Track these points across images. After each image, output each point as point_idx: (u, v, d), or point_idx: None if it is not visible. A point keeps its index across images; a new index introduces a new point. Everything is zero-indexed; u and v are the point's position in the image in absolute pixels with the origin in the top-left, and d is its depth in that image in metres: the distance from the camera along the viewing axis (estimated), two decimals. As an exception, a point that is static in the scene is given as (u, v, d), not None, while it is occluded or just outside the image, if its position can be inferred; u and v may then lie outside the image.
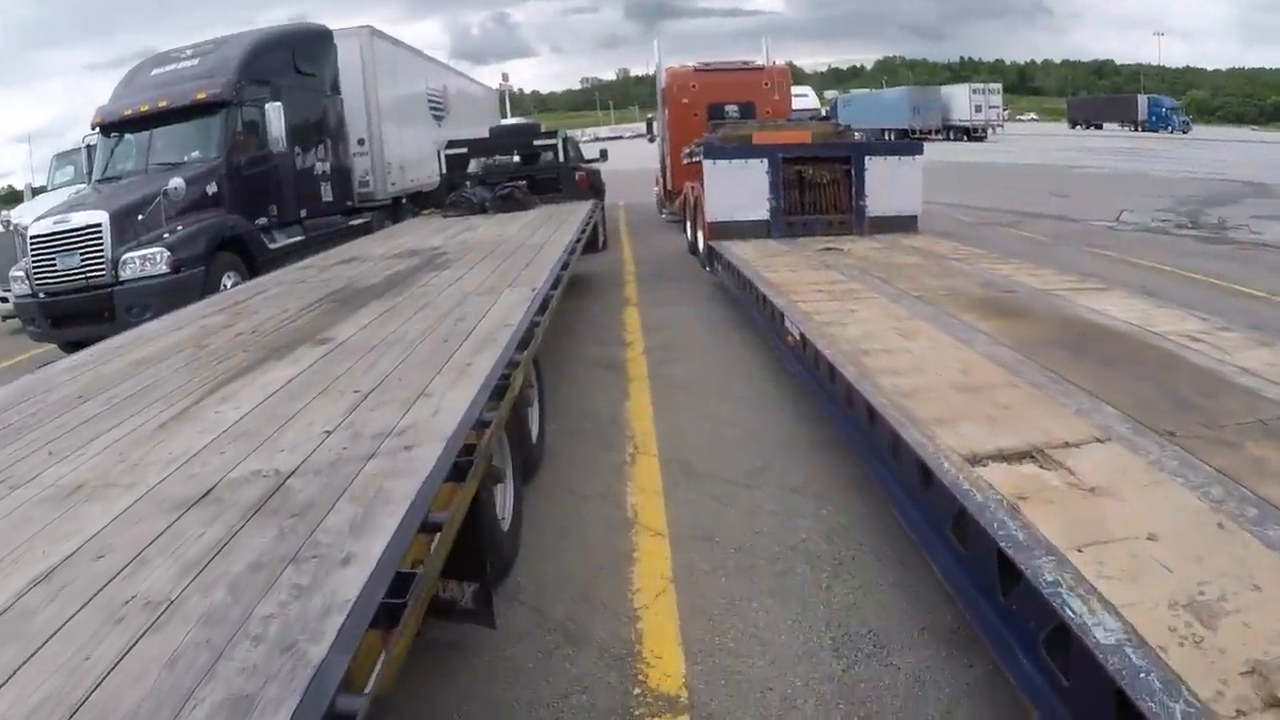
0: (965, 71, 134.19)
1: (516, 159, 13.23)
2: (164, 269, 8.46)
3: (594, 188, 13.37)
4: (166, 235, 8.69)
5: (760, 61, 16.82)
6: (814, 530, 3.85)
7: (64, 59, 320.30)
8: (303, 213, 11.21)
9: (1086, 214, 15.95)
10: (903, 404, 3.39)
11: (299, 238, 10.77)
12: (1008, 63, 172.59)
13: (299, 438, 2.81)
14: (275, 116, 10.10)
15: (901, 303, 5.41)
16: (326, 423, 2.93)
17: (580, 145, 17.42)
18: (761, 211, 9.52)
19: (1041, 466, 2.79)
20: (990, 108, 55.95)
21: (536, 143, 13.31)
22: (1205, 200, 18.01)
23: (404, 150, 14.45)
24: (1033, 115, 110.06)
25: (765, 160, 9.57)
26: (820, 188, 9.67)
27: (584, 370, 6.79)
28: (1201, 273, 9.74)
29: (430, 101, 16.63)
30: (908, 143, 10.96)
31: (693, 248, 11.55)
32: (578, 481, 4.52)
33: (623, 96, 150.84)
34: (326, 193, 12.07)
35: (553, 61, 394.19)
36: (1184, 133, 63.08)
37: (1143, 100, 69.98)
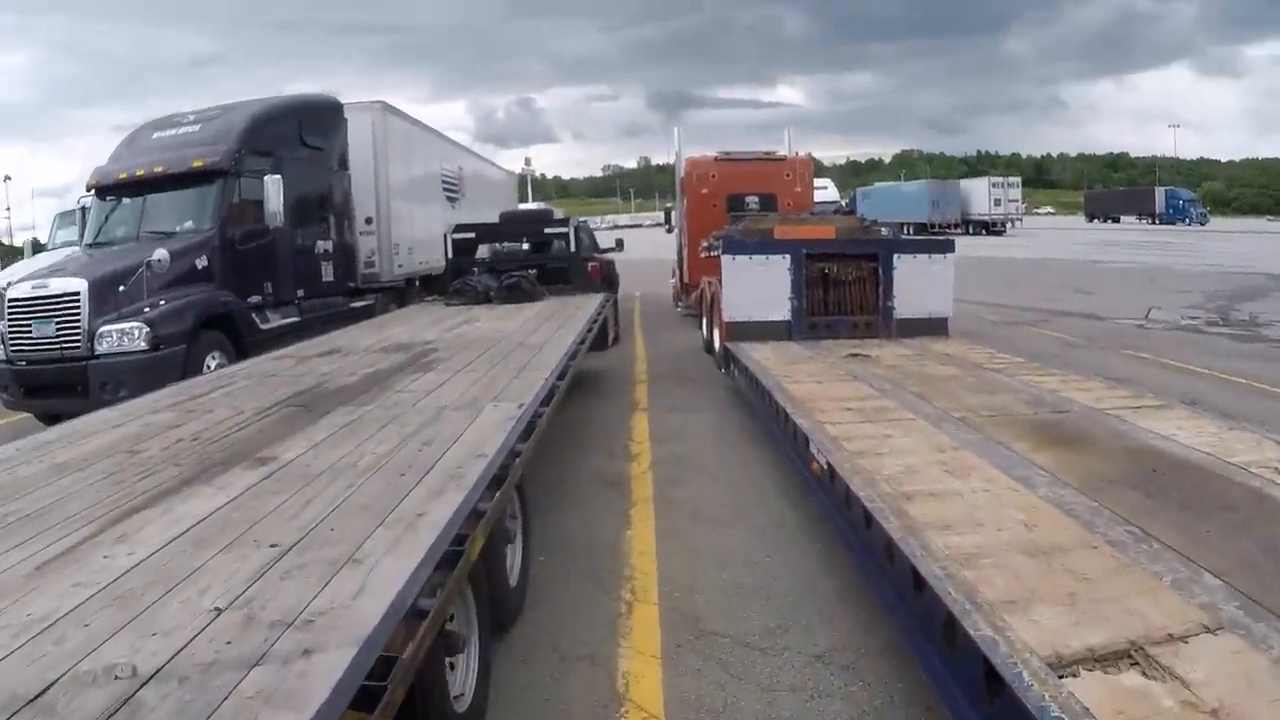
0: (982, 165, 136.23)
1: (526, 246, 12.79)
2: (141, 345, 7.97)
3: (606, 279, 12.96)
4: (148, 309, 8.20)
5: (782, 152, 16.50)
6: (842, 715, 3.14)
7: (93, 118, 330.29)
8: (300, 293, 10.72)
9: (1113, 311, 15.49)
10: (961, 575, 2.71)
11: (294, 319, 10.27)
12: (1024, 156, 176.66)
13: (181, 614, 2.14)
14: (274, 190, 9.66)
15: (943, 427, 4.75)
16: (223, 592, 2.27)
17: (595, 233, 17.15)
18: (783, 311, 9.00)
19: (1146, 674, 2.16)
20: (1009, 201, 55.99)
21: (547, 230, 12.89)
22: (1233, 295, 17.72)
23: (414, 231, 14.08)
24: (1049, 209, 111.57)
25: (787, 256, 9.09)
26: (845, 286, 9.15)
27: (584, 485, 6.12)
28: (1241, 375, 9.24)
29: (444, 182, 16.37)
30: (939, 240, 10.47)
31: (708, 346, 11.00)
32: (563, 636, 3.79)
33: (644, 185, 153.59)
34: (327, 272, 11.58)
35: (575, 148, 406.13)
36: (1202, 225, 63.42)
37: (1160, 193, 70.73)
